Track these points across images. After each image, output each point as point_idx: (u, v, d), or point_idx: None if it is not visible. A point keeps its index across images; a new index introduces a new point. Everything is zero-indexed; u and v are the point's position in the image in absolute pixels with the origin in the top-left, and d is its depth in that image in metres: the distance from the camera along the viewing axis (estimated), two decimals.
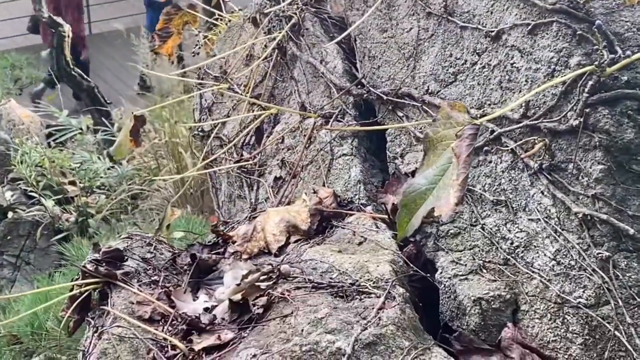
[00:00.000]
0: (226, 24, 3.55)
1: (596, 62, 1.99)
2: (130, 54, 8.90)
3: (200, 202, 5.69)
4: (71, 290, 2.30)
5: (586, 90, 2.01)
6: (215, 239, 2.60)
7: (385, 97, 2.63)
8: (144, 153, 6.80)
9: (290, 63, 3.06)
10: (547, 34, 2.12)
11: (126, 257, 2.38)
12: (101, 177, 6.77)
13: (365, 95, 2.72)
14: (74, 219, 6.14)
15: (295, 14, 3.01)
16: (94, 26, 13.91)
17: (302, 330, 1.98)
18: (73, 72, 7.83)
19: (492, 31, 2.26)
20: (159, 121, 6.52)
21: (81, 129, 7.62)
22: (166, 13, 3.63)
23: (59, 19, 7.88)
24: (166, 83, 6.98)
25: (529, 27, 2.16)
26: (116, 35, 11.09)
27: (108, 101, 8.12)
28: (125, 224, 5.82)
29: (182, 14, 3.62)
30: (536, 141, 2.12)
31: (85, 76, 8.07)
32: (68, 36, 7.88)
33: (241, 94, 3.21)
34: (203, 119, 3.48)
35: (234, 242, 2.50)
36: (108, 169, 6.76)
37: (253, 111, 3.16)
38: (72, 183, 6.74)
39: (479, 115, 2.21)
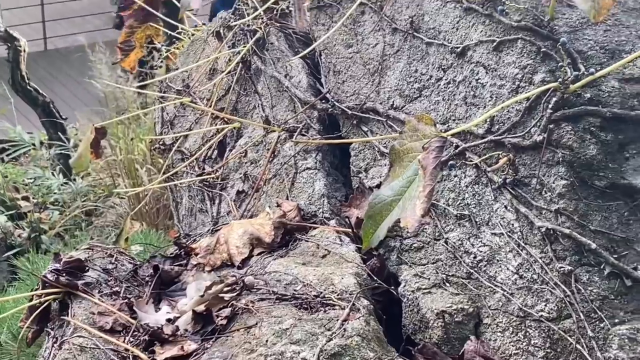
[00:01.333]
0: (189, 38, 3.54)
1: (560, 79, 2.02)
2: (87, 70, 8.83)
3: (156, 219, 5.65)
4: (30, 300, 2.26)
5: (550, 106, 2.04)
6: (177, 251, 2.58)
7: (349, 112, 2.64)
8: (99, 170, 6.74)
9: (254, 77, 3.06)
10: (511, 50, 2.16)
11: (87, 268, 2.35)
12: (55, 193, 6.69)
13: (329, 110, 2.73)
14: (27, 235, 6.06)
15: (260, 28, 3.02)
16: (49, 42, 13.77)
17: (267, 340, 1.97)
18: (29, 87, 7.74)
19: (457, 47, 2.29)
20: (114, 138, 6.47)
21: (34, 144, 7.54)
22: (128, 26, 3.61)
23: (15, 33, 7.79)
24: (122, 100, 6.95)
25: (494, 43, 2.19)
26: (72, 51, 11.03)
27: (63, 117, 8.04)
28: (79, 240, 5.75)
29: (145, 27, 3.61)
30: (500, 156, 2.14)
31: (41, 91, 7.98)
32: (24, 50, 7.79)
33: (204, 107, 3.20)
34: (165, 132, 3.46)
35: (196, 254, 2.48)
36: (62, 184, 6.69)
37: (216, 125, 3.15)
38: (26, 199, 6.65)
39: (443, 131, 2.23)
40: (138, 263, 2.50)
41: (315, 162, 2.70)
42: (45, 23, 13.59)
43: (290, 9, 3.09)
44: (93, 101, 10.26)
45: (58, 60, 12.36)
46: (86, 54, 8.51)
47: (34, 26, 13.55)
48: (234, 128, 3.07)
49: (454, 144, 2.27)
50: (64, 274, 2.26)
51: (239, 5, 3.15)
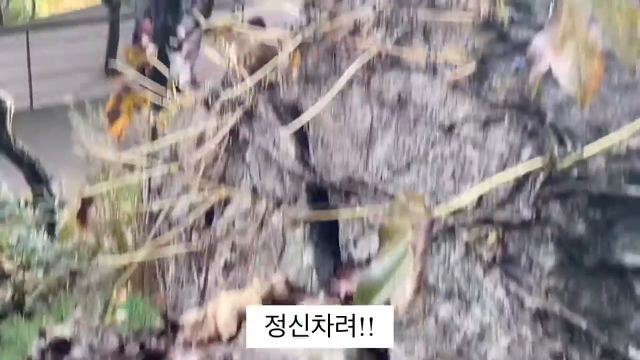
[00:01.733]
0: (178, 106, 3.55)
1: (547, 157, 2.03)
2: (73, 129, 8.82)
3: (142, 281, 5.61)
4: None
5: (538, 184, 2.05)
6: (163, 326, 2.56)
7: (338, 184, 2.64)
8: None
9: (242, 146, 3.06)
10: (499, 127, 2.17)
11: (72, 346, 2.33)
12: (39, 254, 6.64)
13: (318, 181, 2.73)
14: (10, 296, 5.99)
15: (248, 97, 3.03)
16: (35, 99, 13.81)
17: None
18: (14, 148, 7.73)
19: (445, 123, 2.31)
20: (99, 197, 6.45)
21: (19, 203, 7.51)
22: (116, 94, 3.62)
23: (1, 93, 7.81)
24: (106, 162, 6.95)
25: (482, 120, 2.21)
26: (59, 109, 11.03)
27: (49, 176, 8.02)
28: (64, 302, 5.69)
29: (133, 95, 3.61)
30: (489, 233, 2.15)
31: (27, 151, 7.97)
32: (10, 111, 7.80)
33: (191, 176, 3.20)
34: (152, 200, 3.45)
35: (183, 330, 2.46)
36: (47, 244, 6.64)
37: (204, 193, 3.14)
38: (9, 258, 6.60)
39: (432, 206, 2.23)
40: (124, 339, 2.47)
41: (304, 234, 2.70)
42: (31, 81, 13.65)
43: (278, 79, 3.11)
44: (79, 159, 10.28)
45: (43, 118, 12.38)
46: (72, 112, 8.53)
47: (20, 84, 13.60)
48: (222, 197, 3.06)
49: (443, 219, 2.27)
50: (49, 352, 2.23)
51: (229, 79, 3.17)
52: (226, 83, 3.23)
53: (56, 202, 7.21)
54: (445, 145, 2.31)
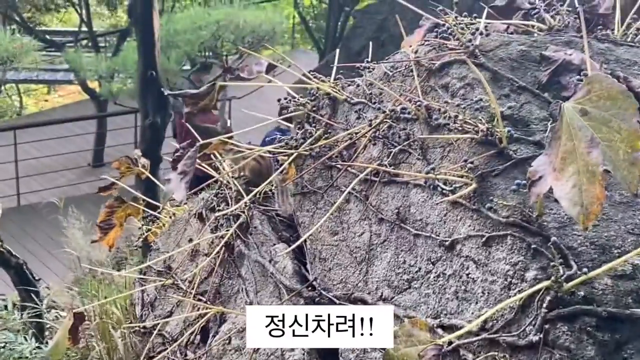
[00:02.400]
0: (170, 217, 3.53)
1: (553, 277, 2.00)
2: (60, 226, 8.76)
3: None
4: None
5: (544, 305, 2.01)
6: None
7: (337, 301, 2.60)
8: None
9: (237, 260, 3.03)
10: (501, 246, 2.15)
11: None
12: (27, 358, 6.52)
13: (316, 299, 2.68)
14: None
15: (244, 212, 3.01)
16: (22, 197, 13.76)
17: None
18: (1, 249, 7.65)
19: (446, 240, 2.28)
20: (86, 299, 6.37)
21: (6, 306, 7.41)
22: (109, 206, 3.60)
23: None
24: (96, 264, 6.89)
25: (483, 238, 2.18)
26: (46, 207, 10.96)
27: (37, 277, 7.92)
28: None
29: (126, 206, 3.59)
30: (496, 356, 2.10)
31: (14, 252, 7.88)
32: None
33: (186, 290, 3.15)
34: (145, 315, 3.39)
35: None
36: (34, 349, 6.51)
37: (198, 309, 3.08)
38: None
39: (435, 326, 2.19)
40: None
41: (303, 354, 2.64)
42: (19, 179, 13.63)
43: (273, 192, 3.10)
44: (66, 259, 10.17)
45: (31, 216, 12.31)
46: (59, 210, 8.48)
47: (7, 182, 13.57)
48: (217, 313, 3.01)
49: (448, 341, 2.22)
50: None
51: (220, 190, 3.16)
52: (220, 196, 3.21)
53: (44, 305, 7.10)
54: (447, 264, 2.28)
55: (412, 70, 2.51)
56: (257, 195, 3.06)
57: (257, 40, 11.79)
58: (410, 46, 2.67)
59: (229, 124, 12.04)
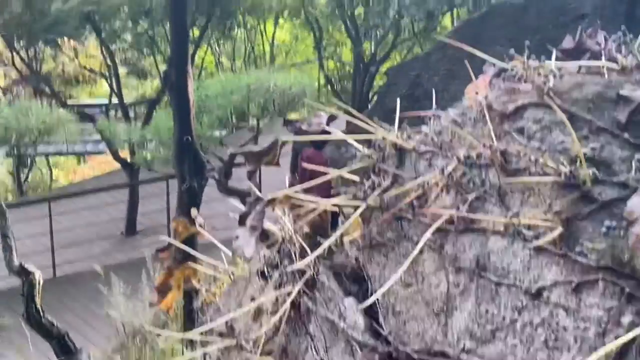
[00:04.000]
0: (230, 277, 3.47)
1: None
2: (97, 296, 8.71)
3: None
4: None
5: None
6: None
7: (416, 356, 2.52)
8: None
9: (304, 318, 2.96)
10: (593, 291, 2.08)
11: None
12: None
13: (393, 354, 2.61)
14: None
15: (309, 267, 2.95)
16: (58, 269, 13.77)
17: None
18: (43, 320, 7.63)
19: (531, 288, 2.21)
20: None
21: None
22: (167, 268, 3.55)
23: (31, 266, 7.78)
24: (141, 331, 6.86)
25: (573, 284, 2.11)
26: (82, 277, 10.97)
27: (78, 348, 7.87)
28: None
29: (184, 267, 3.54)
30: None
31: (56, 323, 7.86)
32: (39, 283, 7.75)
33: (251, 350, 3.08)
34: None
35: None
36: None
37: None
38: None
39: None
40: None
41: None
42: (54, 251, 13.67)
43: (341, 247, 3.04)
44: (105, 327, 10.11)
45: (67, 287, 12.31)
46: (97, 280, 8.47)
47: (42, 254, 13.60)
48: None
49: None
50: None
51: (282, 246, 3.10)
52: (282, 252, 3.15)
53: None
54: (534, 312, 2.20)
55: (483, 116, 2.47)
56: (323, 250, 3.00)
57: (287, 102, 11.87)
58: (477, 92, 2.64)
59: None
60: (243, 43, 22.91)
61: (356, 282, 2.95)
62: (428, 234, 2.43)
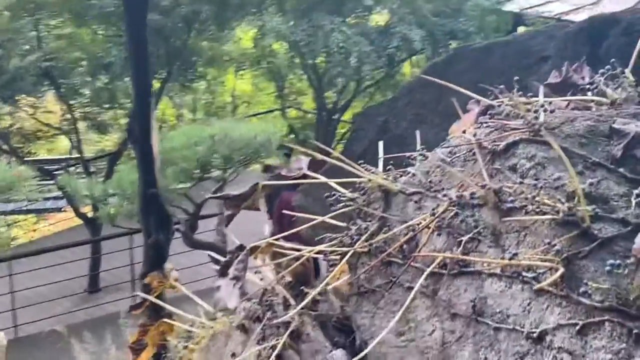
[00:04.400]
0: (210, 333, 3.33)
1: None
2: (60, 356, 8.46)
3: None
4: None
5: None
6: None
7: None
8: None
9: None
10: (599, 334, 1.98)
11: None
12: None
13: None
14: None
15: (294, 318, 2.83)
16: (20, 329, 13.40)
17: None
18: None
19: (532, 332, 2.11)
20: None
21: None
22: (141, 325, 3.41)
23: None
24: None
25: (577, 327, 2.02)
26: (45, 337, 10.67)
27: None
28: None
29: (159, 324, 3.40)
30: None
31: None
32: (3, 346, 7.50)
33: None
34: None
35: None
36: None
37: None
38: None
39: None
40: None
41: None
42: (15, 311, 13.30)
43: (326, 297, 2.93)
44: None
45: (31, 348, 11.96)
46: (60, 339, 8.21)
47: (3, 314, 13.24)
48: None
49: None
50: None
51: (264, 298, 2.98)
52: (265, 304, 3.03)
53: None
54: (537, 357, 2.10)
55: (472, 154, 2.40)
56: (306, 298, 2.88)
57: (253, 152, 11.77)
58: (464, 130, 2.57)
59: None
60: (204, 94, 22.84)
61: (342, 332, 2.84)
62: (421, 280, 2.33)
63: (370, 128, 8.48)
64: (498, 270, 2.22)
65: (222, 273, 2.55)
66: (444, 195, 2.37)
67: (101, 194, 12.21)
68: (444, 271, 2.38)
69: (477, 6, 15.93)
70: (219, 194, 3.08)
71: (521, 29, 18.86)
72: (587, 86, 2.45)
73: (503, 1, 16.99)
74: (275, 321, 2.89)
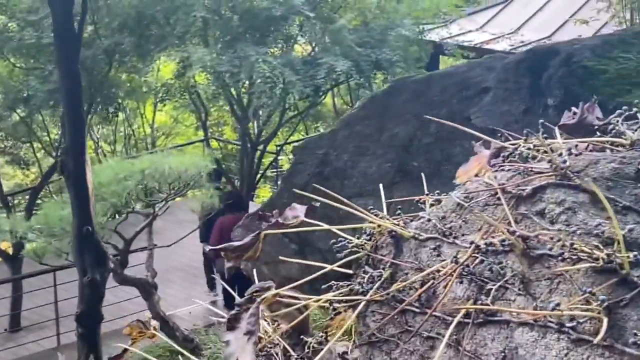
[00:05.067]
0: None
1: None
2: None
3: None
4: None
5: None
6: None
7: None
8: None
9: None
10: None
11: None
12: None
13: None
14: None
15: None
16: None
17: None
18: None
19: None
20: None
21: None
22: None
23: None
24: None
25: None
26: None
27: None
28: None
29: None
30: None
31: None
32: None
33: None
34: None
35: None
36: None
37: None
38: None
39: None
40: None
41: None
42: None
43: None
44: None
45: None
46: None
47: None
48: None
49: None
50: None
51: (263, 349, 2.84)
52: (263, 356, 2.90)
53: None
54: None
55: (493, 199, 2.33)
56: (307, 349, 2.77)
57: (184, 186, 11.58)
58: (476, 174, 2.51)
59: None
60: (122, 126, 22.48)
61: None
62: (450, 330, 2.24)
63: (310, 161, 8.43)
64: (529, 319, 2.15)
65: (231, 327, 2.41)
66: (470, 242, 2.30)
67: (25, 230, 11.80)
68: (467, 320, 2.30)
69: (400, 36, 16.10)
70: (221, 246, 2.93)
71: (443, 59, 19.21)
72: (604, 127, 2.42)
73: (424, 31, 17.24)
74: None
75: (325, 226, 2.71)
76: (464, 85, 7.93)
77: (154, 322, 3.30)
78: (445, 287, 2.37)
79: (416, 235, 2.49)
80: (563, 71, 7.11)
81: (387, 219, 2.55)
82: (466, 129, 2.58)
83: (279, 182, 24.29)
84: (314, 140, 8.63)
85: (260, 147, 17.79)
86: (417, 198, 2.63)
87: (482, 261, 2.27)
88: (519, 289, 2.20)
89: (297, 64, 15.56)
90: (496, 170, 2.41)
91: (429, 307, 2.40)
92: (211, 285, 14.96)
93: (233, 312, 2.46)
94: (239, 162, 17.87)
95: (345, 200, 2.61)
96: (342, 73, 15.33)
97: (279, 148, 19.90)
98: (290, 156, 22.36)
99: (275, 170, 21.17)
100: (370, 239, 2.59)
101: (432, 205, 2.57)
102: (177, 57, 16.30)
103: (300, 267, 9.19)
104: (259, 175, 17.95)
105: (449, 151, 7.49)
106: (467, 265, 2.29)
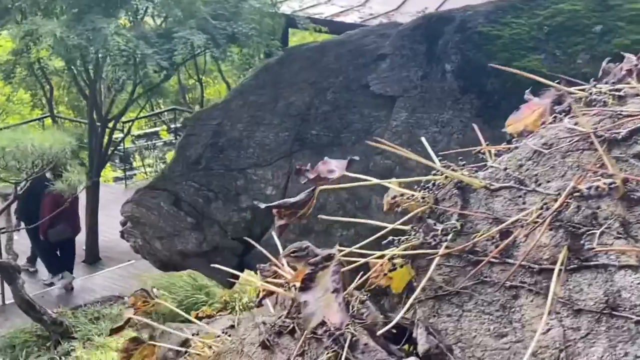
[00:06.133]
0: (209, 348, 3.00)
1: None
2: None
3: None
4: None
5: None
6: None
7: None
8: None
9: None
10: None
11: None
12: None
13: None
14: None
15: (349, 330, 2.60)
16: None
17: None
18: None
19: None
20: None
21: None
22: (124, 350, 3.01)
23: None
24: None
25: None
26: None
27: None
28: None
29: (143, 347, 3.01)
30: None
31: None
32: None
33: None
34: None
35: None
36: None
37: None
38: None
39: None
40: None
41: None
42: None
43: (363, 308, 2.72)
44: None
45: None
46: None
47: None
48: None
49: None
50: None
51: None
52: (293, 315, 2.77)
53: None
54: None
55: (577, 145, 2.31)
56: (354, 308, 2.67)
57: (48, 164, 11.01)
58: (542, 122, 2.48)
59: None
60: None
61: (392, 341, 2.66)
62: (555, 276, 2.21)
63: (204, 132, 8.19)
64: (633, 262, 2.15)
65: (307, 287, 2.28)
66: (557, 189, 2.27)
67: None
68: (553, 267, 2.28)
69: (254, 10, 15.95)
70: (272, 204, 2.74)
71: (294, 31, 19.20)
72: None
73: (277, 3, 17.18)
74: (320, 333, 2.64)
75: (371, 179, 2.61)
76: (359, 53, 7.91)
77: (157, 292, 3.09)
78: (526, 236, 2.33)
79: (488, 185, 2.44)
80: (458, 37, 7.22)
81: (454, 169, 2.48)
82: (529, 75, 2.54)
83: (116, 161, 23.57)
84: (207, 111, 8.40)
85: (110, 124, 17.19)
86: (477, 149, 2.58)
87: (575, 207, 2.25)
88: (618, 232, 2.20)
89: (152, 37, 15.11)
90: (572, 117, 2.39)
91: (508, 257, 2.36)
92: (32, 259, 14.95)
93: (307, 271, 2.33)
94: (88, 140, 17.15)
95: (406, 151, 2.52)
96: (199, 47, 15.03)
97: (127, 126, 19.30)
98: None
99: (115, 148, 20.50)
100: (436, 190, 2.52)
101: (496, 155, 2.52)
102: (20, 32, 15.40)
103: (197, 241, 8.93)
104: (109, 153, 17.34)
105: (347, 119, 7.48)
106: (560, 212, 2.26)
